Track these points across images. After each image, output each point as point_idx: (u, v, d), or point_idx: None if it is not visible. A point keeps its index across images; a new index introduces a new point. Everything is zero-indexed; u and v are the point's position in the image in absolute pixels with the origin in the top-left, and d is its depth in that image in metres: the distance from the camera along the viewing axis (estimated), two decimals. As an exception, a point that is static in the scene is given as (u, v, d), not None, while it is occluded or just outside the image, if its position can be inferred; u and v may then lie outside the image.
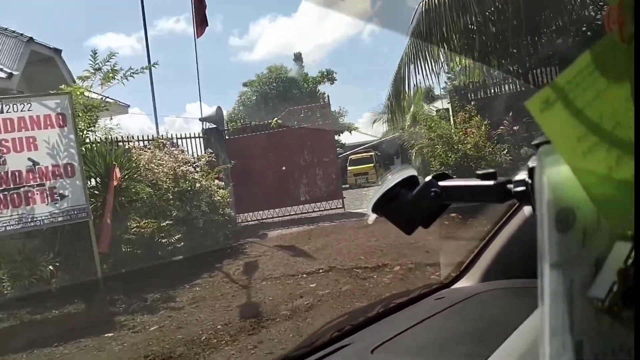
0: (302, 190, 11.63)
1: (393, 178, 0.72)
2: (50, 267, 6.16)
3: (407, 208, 0.71)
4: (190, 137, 10.22)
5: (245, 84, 29.99)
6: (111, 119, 8.48)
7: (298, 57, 31.82)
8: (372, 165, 24.14)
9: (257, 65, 66.60)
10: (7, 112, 5.79)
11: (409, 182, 0.71)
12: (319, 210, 11.41)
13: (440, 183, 0.68)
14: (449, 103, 13.98)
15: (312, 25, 60.07)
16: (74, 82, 8.58)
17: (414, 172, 0.73)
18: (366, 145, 27.83)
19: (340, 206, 11.35)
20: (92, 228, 6.07)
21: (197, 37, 11.27)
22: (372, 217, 0.72)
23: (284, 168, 11.41)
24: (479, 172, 0.64)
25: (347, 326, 1.24)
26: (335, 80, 29.45)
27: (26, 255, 6.36)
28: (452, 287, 1.52)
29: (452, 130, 9.16)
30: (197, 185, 7.63)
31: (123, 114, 13.43)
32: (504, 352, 0.87)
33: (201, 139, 10.37)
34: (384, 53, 59.11)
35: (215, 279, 6.31)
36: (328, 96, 18.11)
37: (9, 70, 10.80)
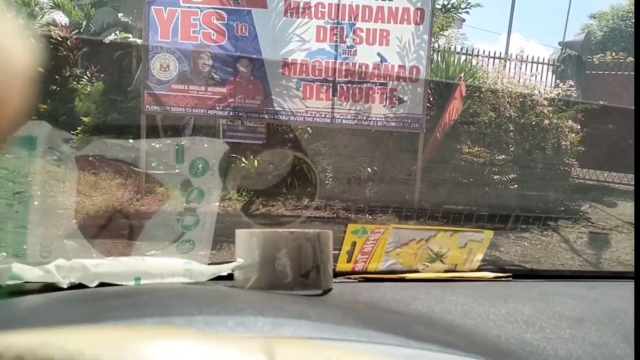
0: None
1: None
2: (369, 169, 6.41)
3: None
4: (543, 63, 8.93)
5: (593, 16, 25.83)
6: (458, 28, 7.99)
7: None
8: None
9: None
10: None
11: None
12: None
13: None
14: None
15: None
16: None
17: None
18: None
19: None
20: (422, 142, 5.84)
21: None
22: None
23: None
24: None
25: None
26: None
27: (350, 151, 6.76)
28: None
29: None
30: (546, 122, 6.53)
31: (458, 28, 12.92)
32: None
33: (554, 67, 8.98)
34: None
35: (549, 240, 5.41)
36: None
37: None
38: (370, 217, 5.63)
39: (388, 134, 6.35)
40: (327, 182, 6.30)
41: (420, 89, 5.77)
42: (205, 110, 5.91)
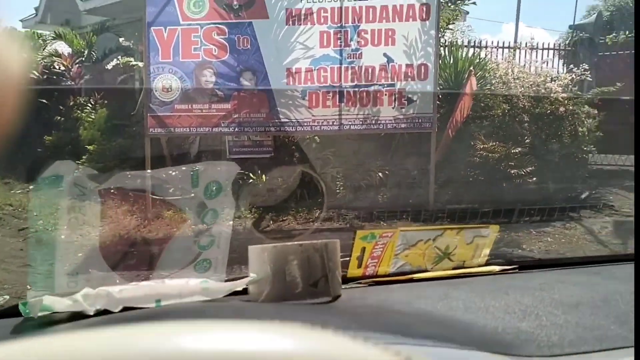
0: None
1: None
2: (380, 173, 6.38)
3: None
4: (554, 49, 8.83)
5: None
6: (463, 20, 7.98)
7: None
8: None
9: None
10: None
11: None
12: None
13: None
14: None
15: None
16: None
17: None
18: None
19: None
20: (434, 141, 5.81)
21: None
22: None
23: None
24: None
25: None
26: None
27: (360, 157, 6.74)
28: None
29: None
30: (562, 109, 6.46)
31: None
32: None
33: (566, 52, 8.89)
34: None
35: (573, 233, 5.33)
36: None
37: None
38: (385, 224, 5.61)
39: (398, 136, 6.34)
40: (337, 190, 6.30)
41: (430, 86, 5.76)
42: (210, 128, 5.95)
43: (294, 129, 5.95)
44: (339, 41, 5.79)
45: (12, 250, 5.00)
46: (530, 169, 5.88)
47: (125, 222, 5.61)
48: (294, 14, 5.80)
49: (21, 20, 16.00)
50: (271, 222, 5.70)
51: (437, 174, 5.78)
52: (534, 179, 5.92)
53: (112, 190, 5.31)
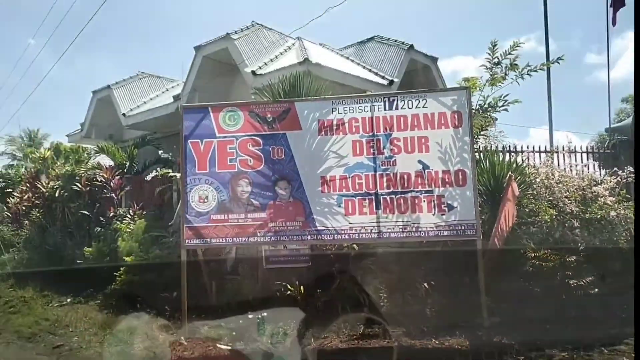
0: None
1: None
2: (425, 284, 6.00)
3: None
4: (592, 152, 8.69)
5: (625, 100, 26.12)
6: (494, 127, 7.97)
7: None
8: None
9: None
10: (401, 108, 5.80)
11: None
12: None
13: None
14: None
15: None
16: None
17: None
18: None
19: None
20: (480, 249, 5.51)
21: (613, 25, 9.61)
22: None
23: None
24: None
25: None
26: None
27: (401, 267, 6.41)
28: None
29: None
30: (613, 213, 6.11)
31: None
32: None
33: (607, 154, 8.69)
34: None
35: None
36: None
37: (390, 78, 12.00)
38: (436, 341, 5.14)
39: (441, 243, 6.06)
40: (381, 303, 5.91)
41: (470, 192, 5.58)
42: (247, 238, 5.85)
43: (331, 237, 5.78)
44: (372, 149, 5.83)
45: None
46: (590, 278, 5.40)
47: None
48: (325, 125, 5.92)
49: (67, 135, 17.04)
50: (312, 339, 5.30)
51: (487, 282, 5.37)
52: (596, 290, 5.40)
53: (183, 342, 5.22)
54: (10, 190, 15.90)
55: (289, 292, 6.14)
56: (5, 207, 14.94)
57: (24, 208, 13.21)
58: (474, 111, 6.39)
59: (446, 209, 5.59)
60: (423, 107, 5.82)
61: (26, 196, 13.40)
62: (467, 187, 5.60)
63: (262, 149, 5.97)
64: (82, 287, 8.01)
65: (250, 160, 5.96)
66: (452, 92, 5.98)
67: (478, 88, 6.78)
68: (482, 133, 6.69)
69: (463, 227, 5.53)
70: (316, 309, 5.81)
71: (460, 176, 5.62)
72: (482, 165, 6.62)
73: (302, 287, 6.17)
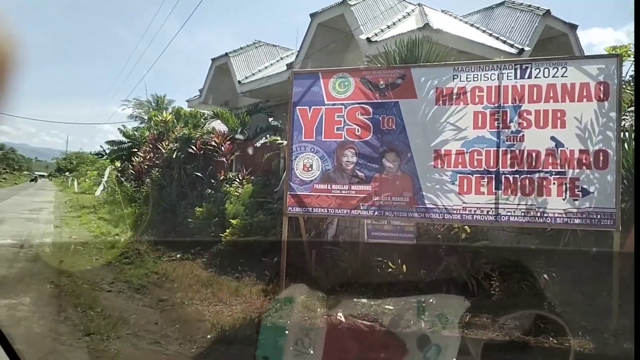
0: None
1: None
2: (545, 275, 5.34)
3: None
4: None
5: None
6: None
7: None
8: None
9: None
10: (535, 76, 5.06)
11: None
12: None
13: None
14: None
15: None
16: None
17: None
18: None
19: None
20: (617, 243, 4.70)
21: None
22: None
23: None
24: None
25: None
26: None
27: (518, 254, 5.80)
28: None
29: None
30: None
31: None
32: None
33: None
34: None
35: None
36: None
37: (520, 46, 10.85)
38: (553, 339, 4.51)
39: (568, 232, 5.32)
40: (492, 292, 5.36)
41: (611, 176, 4.77)
42: (349, 210, 5.58)
43: (440, 216, 5.30)
44: (496, 122, 5.18)
45: (147, 323, 4.91)
46: None
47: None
48: (444, 93, 5.38)
49: (187, 101, 17.97)
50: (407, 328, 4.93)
51: (624, 286, 4.58)
52: None
53: (340, 318, 5.19)
54: (135, 150, 17.24)
55: (390, 269, 5.80)
56: (130, 166, 16.24)
57: (145, 167, 14.23)
58: (623, 83, 5.43)
59: (580, 193, 4.83)
60: (562, 76, 5.02)
61: (148, 156, 14.41)
62: (608, 171, 4.78)
63: (371, 117, 5.61)
64: (191, 245, 8.35)
65: (358, 130, 5.64)
66: (600, 59, 5.08)
67: (630, 56, 5.76)
68: (630, 109, 5.68)
69: (599, 216, 4.75)
70: (417, 290, 5.40)
71: (601, 157, 4.81)
72: (627, 146, 5.65)
73: (404, 266, 5.79)
